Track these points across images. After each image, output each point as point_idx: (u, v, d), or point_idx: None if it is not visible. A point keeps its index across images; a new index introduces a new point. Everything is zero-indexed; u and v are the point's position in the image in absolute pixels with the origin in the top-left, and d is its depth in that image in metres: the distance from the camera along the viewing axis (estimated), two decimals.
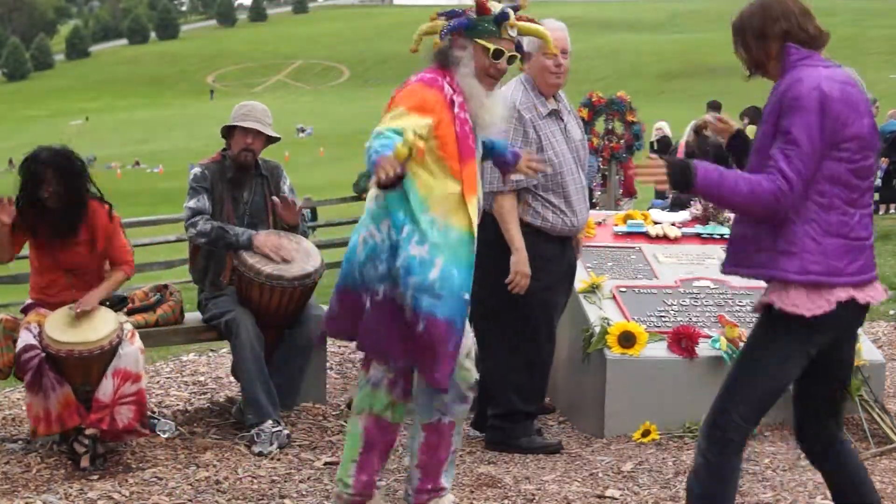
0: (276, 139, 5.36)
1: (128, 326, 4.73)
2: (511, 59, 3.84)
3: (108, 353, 4.54)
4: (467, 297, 3.72)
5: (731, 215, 3.88)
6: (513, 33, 3.84)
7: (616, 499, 4.28)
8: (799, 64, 3.22)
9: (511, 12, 3.83)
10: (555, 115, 4.90)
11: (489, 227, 4.71)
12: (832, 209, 3.17)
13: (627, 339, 5.13)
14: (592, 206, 13.99)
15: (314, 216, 22.33)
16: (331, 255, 16.77)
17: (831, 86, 3.15)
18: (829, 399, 3.46)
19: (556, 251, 4.91)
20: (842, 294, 3.17)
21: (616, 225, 6.14)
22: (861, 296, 3.22)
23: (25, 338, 4.57)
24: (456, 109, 3.75)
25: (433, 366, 3.66)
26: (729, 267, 3.36)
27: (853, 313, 3.25)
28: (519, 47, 3.91)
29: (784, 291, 3.19)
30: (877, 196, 15.70)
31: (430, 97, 3.71)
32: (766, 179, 3.10)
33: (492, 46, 3.78)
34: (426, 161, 3.69)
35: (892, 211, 17.30)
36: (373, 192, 3.78)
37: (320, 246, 19.73)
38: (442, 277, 3.64)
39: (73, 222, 4.74)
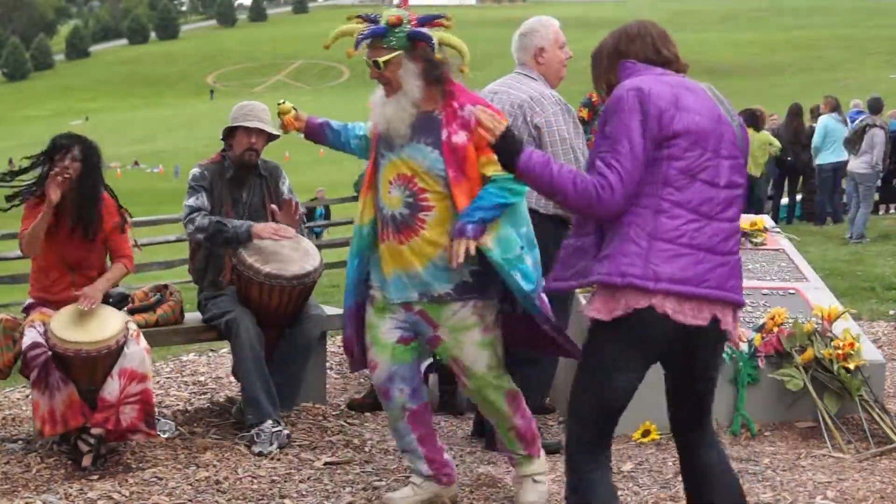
0: (277, 137, 5.37)
1: (133, 326, 4.74)
2: (376, 65, 3.94)
3: (114, 352, 4.54)
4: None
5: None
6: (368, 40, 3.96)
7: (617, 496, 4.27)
8: (632, 75, 3.19)
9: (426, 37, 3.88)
10: None
11: None
12: (660, 213, 3.05)
13: None
14: None
15: (328, 214, 22.30)
16: (330, 256, 16.80)
17: (653, 85, 3.09)
18: (686, 400, 3.37)
19: None
20: (643, 301, 3.02)
21: None
22: (680, 309, 3.03)
23: (31, 335, 4.56)
24: None
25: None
26: (550, 281, 3.31)
27: (673, 332, 3.07)
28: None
29: (593, 298, 3.14)
30: (877, 196, 15.69)
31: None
32: (590, 177, 3.06)
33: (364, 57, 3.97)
34: None
35: (892, 211, 17.31)
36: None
37: (321, 246, 19.70)
38: (347, 269, 4.16)
39: (94, 210, 4.77)
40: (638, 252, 3.04)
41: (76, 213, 4.77)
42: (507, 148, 3.18)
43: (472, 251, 3.74)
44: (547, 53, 4.93)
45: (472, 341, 3.94)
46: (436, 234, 3.87)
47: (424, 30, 3.86)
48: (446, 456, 4.22)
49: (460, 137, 3.84)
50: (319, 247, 21.25)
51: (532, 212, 4.83)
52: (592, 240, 3.19)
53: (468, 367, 3.99)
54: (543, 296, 3.94)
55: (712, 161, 3.10)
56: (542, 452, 4.22)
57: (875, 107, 13.59)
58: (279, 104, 4.30)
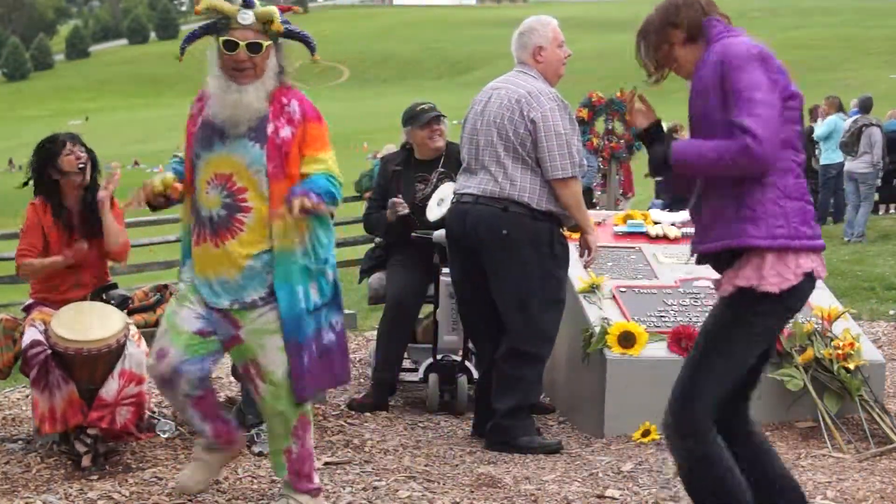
0: None
1: (134, 328, 4.74)
2: (253, 47, 3.74)
3: (115, 351, 4.54)
4: None
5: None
6: (248, 21, 3.76)
7: (616, 499, 4.27)
8: (724, 35, 3.24)
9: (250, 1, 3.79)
10: None
11: (514, 218, 4.84)
12: (789, 172, 3.17)
13: (627, 339, 5.13)
14: (592, 206, 14.01)
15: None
16: (337, 254, 16.78)
17: (762, 47, 3.19)
18: (753, 382, 3.42)
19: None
20: (806, 263, 3.15)
21: (616, 225, 6.14)
22: (819, 268, 3.22)
23: (31, 334, 4.57)
24: (195, 111, 3.88)
25: None
26: (696, 245, 3.32)
27: (809, 289, 3.23)
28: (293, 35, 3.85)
29: (750, 269, 3.17)
30: (877, 196, 15.69)
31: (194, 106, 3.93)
32: (735, 140, 3.08)
33: (223, 39, 3.75)
34: None
35: (892, 211, 17.30)
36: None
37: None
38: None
39: (96, 212, 4.80)
40: (781, 212, 3.14)
41: (83, 219, 4.77)
42: (657, 138, 3.22)
43: (312, 208, 3.60)
44: (546, 52, 4.97)
45: (275, 346, 3.77)
46: (254, 237, 3.72)
47: (294, 27, 3.86)
48: (228, 419, 4.07)
49: (286, 132, 3.75)
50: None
51: (525, 207, 4.84)
52: (728, 201, 3.19)
53: (268, 372, 3.78)
54: (336, 324, 3.84)
55: (801, 125, 3.26)
56: (319, 498, 3.99)
57: (868, 106, 13.61)
58: (162, 177, 3.85)
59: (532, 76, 4.95)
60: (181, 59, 3.94)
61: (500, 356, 4.94)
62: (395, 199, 5.71)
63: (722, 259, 3.26)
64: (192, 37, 3.89)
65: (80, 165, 4.80)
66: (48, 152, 4.81)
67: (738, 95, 3.10)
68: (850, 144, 13.12)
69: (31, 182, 4.88)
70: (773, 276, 3.14)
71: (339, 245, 18.42)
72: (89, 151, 4.88)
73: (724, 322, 3.26)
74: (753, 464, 3.37)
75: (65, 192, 4.83)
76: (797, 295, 3.19)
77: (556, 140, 4.79)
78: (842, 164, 14.41)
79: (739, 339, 3.23)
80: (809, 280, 3.19)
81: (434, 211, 5.62)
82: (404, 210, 5.68)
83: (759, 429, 3.47)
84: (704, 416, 3.23)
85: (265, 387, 3.82)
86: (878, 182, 14.55)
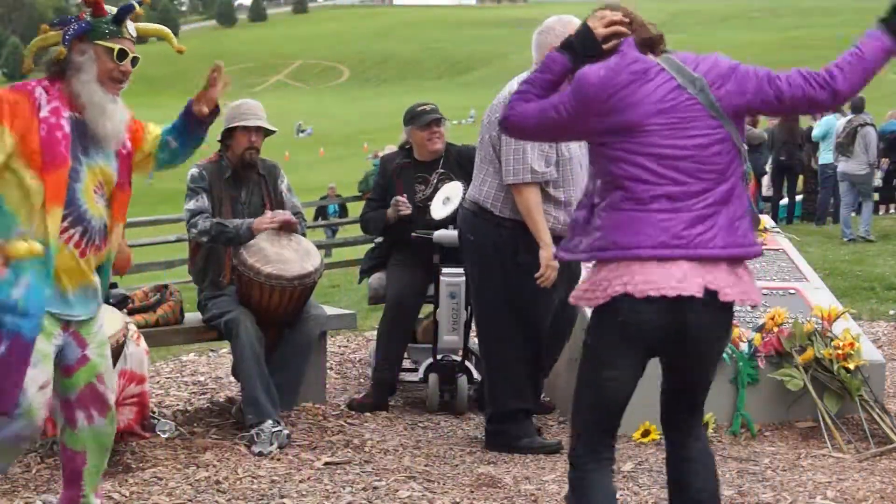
0: (273, 132, 5.40)
1: (133, 328, 4.73)
2: (134, 61, 3.55)
3: (114, 352, 4.53)
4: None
5: None
6: (133, 33, 3.61)
7: (616, 499, 4.27)
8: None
9: (132, 10, 3.60)
10: None
11: (481, 224, 4.82)
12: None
13: None
14: None
15: (343, 211, 22.20)
16: (346, 253, 16.80)
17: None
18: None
19: None
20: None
21: None
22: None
23: None
24: (44, 114, 3.44)
25: (6, 388, 3.37)
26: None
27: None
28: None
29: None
30: (876, 196, 15.69)
31: (6, 101, 3.44)
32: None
33: (116, 47, 3.49)
34: (13, 173, 3.40)
35: (892, 211, 17.31)
36: None
37: (336, 244, 19.68)
38: (27, 296, 3.38)
39: None
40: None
41: None
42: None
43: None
44: None
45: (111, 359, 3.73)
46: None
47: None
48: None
49: (128, 144, 3.66)
50: (334, 245, 21.23)
51: (489, 213, 4.83)
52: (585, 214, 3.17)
53: (109, 391, 3.67)
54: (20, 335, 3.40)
55: None
56: None
57: (860, 106, 13.60)
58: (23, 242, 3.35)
59: None
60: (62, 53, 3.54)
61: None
62: (399, 198, 5.71)
63: None
64: (79, 32, 3.52)
65: None
66: None
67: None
68: (846, 145, 13.17)
69: None
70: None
71: (339, 245, 18.46)
72: None
73: None
74: (677, 474, 3.34)
75: None
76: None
77: (513, 144, 4.71)
78: None
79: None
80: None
81: (439, 210, 5.62)
82: (407, 210, 5.68)
83: (697, 441, 3.34)
84: (575, 441, 3.23)
85: (110, 401, 3.67)
86: (879, 182, 14.57)
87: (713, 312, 3.05)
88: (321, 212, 21.65)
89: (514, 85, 4.86)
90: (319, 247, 19.99)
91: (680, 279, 2.98)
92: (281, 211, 5.24)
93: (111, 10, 3.56)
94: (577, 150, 4.83)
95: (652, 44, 3.16)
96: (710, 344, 3.15)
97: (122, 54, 3.51)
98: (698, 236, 3.01)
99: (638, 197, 3.02)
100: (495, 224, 4.83)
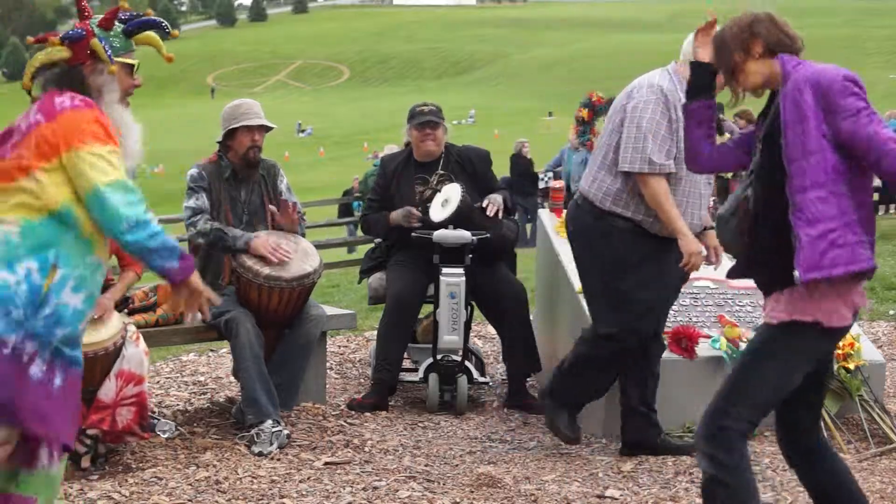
0: (271, 128, 5.41)
1: (132, 328, 4.74)
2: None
3: (112, 353, 4.54)
4: None
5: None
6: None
7: (616, 499, 4.28)
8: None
9: (159, 28, 3.40)
10: None
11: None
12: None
13: None
14: None
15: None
16: (328, 256, 16.81)
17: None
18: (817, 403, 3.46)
19: (649, 250, 4.70)
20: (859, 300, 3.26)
21: None
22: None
23: None
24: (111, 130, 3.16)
25: (64, 425, 3.11)
26: (807, 273, 3.18)
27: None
28: None
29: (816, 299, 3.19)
30: (876, 196, 15.70)
31: (104, 123, 3.14)
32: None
33: (135, 62, 3.31)
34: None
35: (892, 211, 17.32)
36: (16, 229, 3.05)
37: (358, 242, 19.54)
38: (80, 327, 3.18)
39: None
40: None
41: None
42: None
43: None
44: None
45: None
46: None
47: None
48: None
49: None
50: (357, 242, 20.95)
51: (590, 205, 4.71)
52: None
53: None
54: None
55: None
56: None
57: None
58: None
59: (664, 72, 4.75)
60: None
61: None
62: (412, 211, 5.70)
63: None
64: (109, 47, 3.24)
65: None
66: None
67: (857, 112, 3.16)
68: None
69: None
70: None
71: (339, 245, 18.43)
72: None
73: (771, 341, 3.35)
74: (814, 482, 3.45)
75: None
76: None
77: (635, 132, 4.59)
78: None
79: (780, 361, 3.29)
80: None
81: (438, 212, 5.61)
82: (416, 223, 5.67)
83: (826, 448, 3.49)
84: (734, 427, 3.27)
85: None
86: (879, 182, 14.54)
87: None
88: (345, 209, 20.81)
89: (660, 73, 4.72)
90: (342, 244, 19.69)
91: None
92: (285, 240, 5.17)
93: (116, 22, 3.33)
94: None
95: (798, 52, 3.30)
96: None
97: (135, 68, 3.34)
98: None
99: None
100: (593, 216, 4.72)
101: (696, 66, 3.54)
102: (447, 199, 5.62)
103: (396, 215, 5.75)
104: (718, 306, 5.52)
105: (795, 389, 3.28)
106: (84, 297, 3.13)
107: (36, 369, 3.03)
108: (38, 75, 3.28)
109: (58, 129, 3.08)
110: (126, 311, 5.06)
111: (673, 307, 5.45)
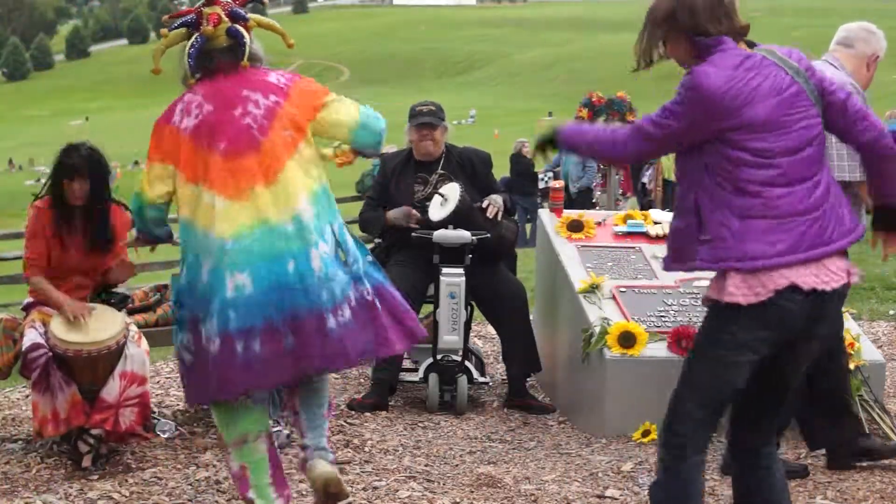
0: None
1: (134, 328, 4.73)
2: None
3: (115, 353, 4.54)
4: None
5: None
6: None
7: (616, 499, 4.28)
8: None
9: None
10: None
11: None
12: (744, 193, 3.01)
13: (627, 339, 5.13)
14: (592, 205, 14.02)
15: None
16: None
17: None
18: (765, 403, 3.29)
19: None
20: (780, 280, 2.99)
21: (616, 225, 6.13)
22: (804, 280, 3.00)
23: (31, 336, 4.55)
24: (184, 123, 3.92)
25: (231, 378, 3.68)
26: (668, 263, 3.27)
27: (801, 304, 3.03)
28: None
29: (721, 280, 3.10)
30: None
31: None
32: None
33: None
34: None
35: None
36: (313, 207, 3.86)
37: None
38: None
39: (107, 228, 4.75)
40: (730, 234, 3.05)
41: (89, 233, 4.73)
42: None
43: None
44: (861, 66, 4.89)
45: None
46: None
47: None
48: None
49: None
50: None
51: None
52: (692, 221, 3.11)
53: None
54: None
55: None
56: None
57: None
58: None
59: (834, 66, 4.77)
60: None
61: None
62: (412, 210, 5.70)
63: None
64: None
65: (77, 203, 4.72)
66: (63, 169, 4.72)
67: None
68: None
69: (45, 188, 4.82)
70: (741, 290, 3.07)
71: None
72: (96, 162, 4.80)
73: (703, 333, 3.27)
74: (744, 488, 3.35)
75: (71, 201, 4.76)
76: (772, 312, 3.06)
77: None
78: None
79: (711, 351, 3.20)
80: (789, 295, 3.04)
81: (437, 211, 5.61)
82: (415, 224, 5.66)
83: (772, 459, 3.36)
84: (682, 429, 3.21)
85: None
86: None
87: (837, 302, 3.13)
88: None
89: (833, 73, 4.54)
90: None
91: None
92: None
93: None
94: None
95: (744, 33, 3.13)
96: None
97: None
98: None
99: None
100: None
101: None
102: (446, 198, 5.62)
103: (393, 214, 5.74)
104: None
105: (752, 387, 3.17)
106: None
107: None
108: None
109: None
110: (126, 310, 5.05)
111: (673, 307, 5.47)
